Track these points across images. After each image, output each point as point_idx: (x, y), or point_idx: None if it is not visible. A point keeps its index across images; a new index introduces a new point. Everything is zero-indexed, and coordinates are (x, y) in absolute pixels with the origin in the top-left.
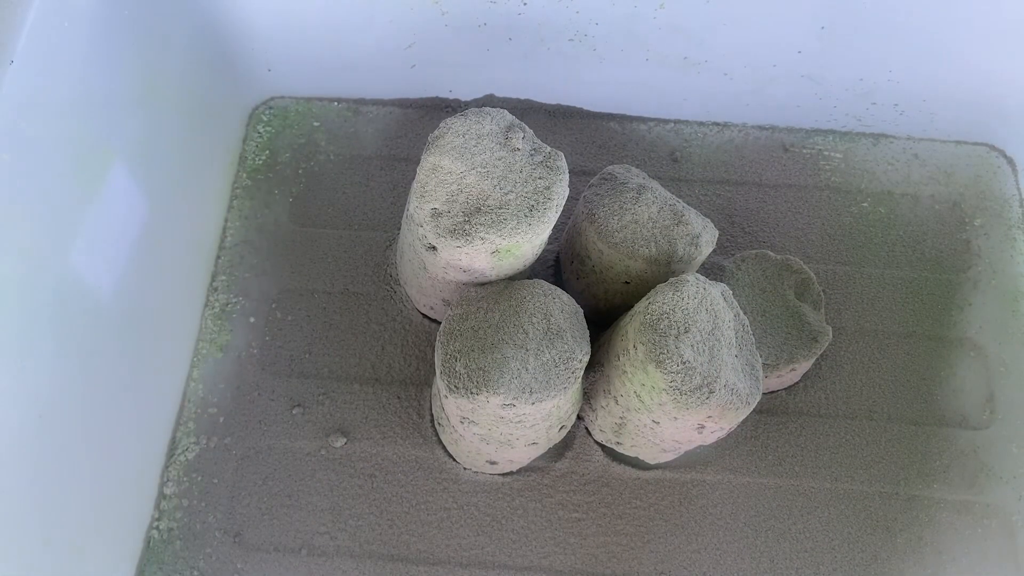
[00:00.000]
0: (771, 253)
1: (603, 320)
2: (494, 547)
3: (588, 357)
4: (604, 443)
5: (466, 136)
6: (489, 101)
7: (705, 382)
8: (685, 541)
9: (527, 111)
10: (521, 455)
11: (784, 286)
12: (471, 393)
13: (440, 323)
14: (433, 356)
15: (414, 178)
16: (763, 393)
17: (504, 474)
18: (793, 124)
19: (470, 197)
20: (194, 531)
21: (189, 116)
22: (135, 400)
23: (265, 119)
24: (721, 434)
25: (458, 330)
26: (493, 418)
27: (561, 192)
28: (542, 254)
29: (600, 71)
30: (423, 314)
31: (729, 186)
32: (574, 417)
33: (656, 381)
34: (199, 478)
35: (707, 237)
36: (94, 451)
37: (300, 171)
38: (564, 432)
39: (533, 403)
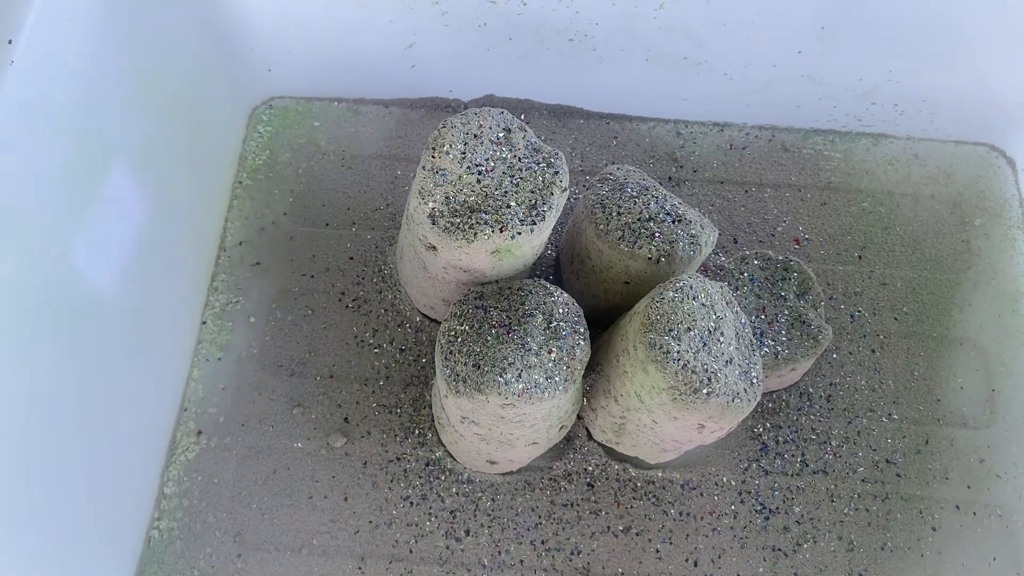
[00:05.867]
0: (771, 253)
1: (603, 320)
2: (494, 546)
3: (588, 357)
4: (604, 443)
5: (466, 136)
6: (489, 101)
7: (705, 382)
8: (685, 541)
9: (527, 111)
10: (521, 455)
11: (784, 286)
12: (471, 393)
13: (440, 323)
14: (433, 356)
15: (414, 178)
16: (763, 393)
17: (504, 474)
18: (793, 124)
19: (470, 197)
20: (194, 531)
21: (189, 116)
22: (135, 400)
23: (265, 119)
24: (721, 434)
25: (458, 330)
26: (493, 418)
27: (561, 192)
28: (542, 254)
29: (600, 71)
30: (423, 314)
31: (729, 186)
32: (574, 417)
33: (656, 381)
34: (199, 478)
35: (707, 237)
36: (94, 451)
37: (300, 171)
38: (564, 432)
39: (533, 403)
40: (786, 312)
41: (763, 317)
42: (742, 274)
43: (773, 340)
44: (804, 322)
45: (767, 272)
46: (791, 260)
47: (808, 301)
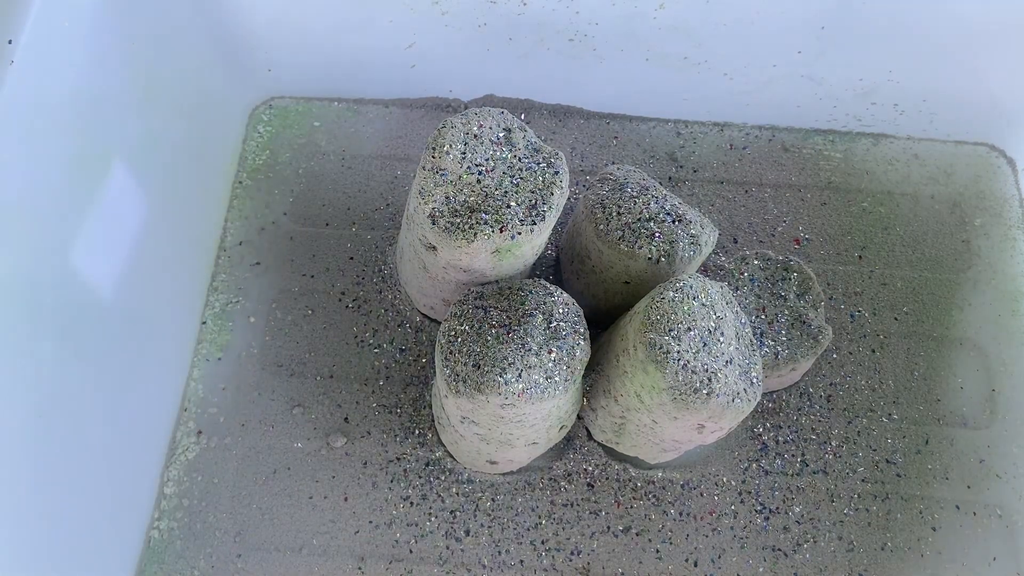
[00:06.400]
0: (771, 253)
1: (603, 320)
2: (494, 546)
3: (588, 357)
4: (604, 443)
5: (466, 136)
6: (489, 101)
7: (705, 382)
8: (685, 541)
9: (527, 111)
10: (521, 455)
11: (784, 286)
12: (471, 393)
13: (440, 323)
14: (433, 356)
15: (414, 178)
16: (763, 393)
17: (504, 474)
18: (793, 124)
19: (470, 197)
20: (194, 531)
21: (189, 116)
22: (135, 400)
23: (265, 119)
24: (721, 434)
25: (458, 330)
26: (493, 418)
27: (561, 192)
28: (542, 254)
29: (600, 71)
30: (423, 314)
31: (729, 186)
32: (574, 417)
33: (656, 381)
34: (199, 478)
35: (707, 237)
36: (94, 451)
37: (300, 171)
38: (564, 432)
39: (533, 403)
40: (786, 312)
41: (763, 317)
42: (742, 274)
43: (773, 340)
44: (804, 322)
45: (767, 272)
46: (791, 260)
47: (808, 301)
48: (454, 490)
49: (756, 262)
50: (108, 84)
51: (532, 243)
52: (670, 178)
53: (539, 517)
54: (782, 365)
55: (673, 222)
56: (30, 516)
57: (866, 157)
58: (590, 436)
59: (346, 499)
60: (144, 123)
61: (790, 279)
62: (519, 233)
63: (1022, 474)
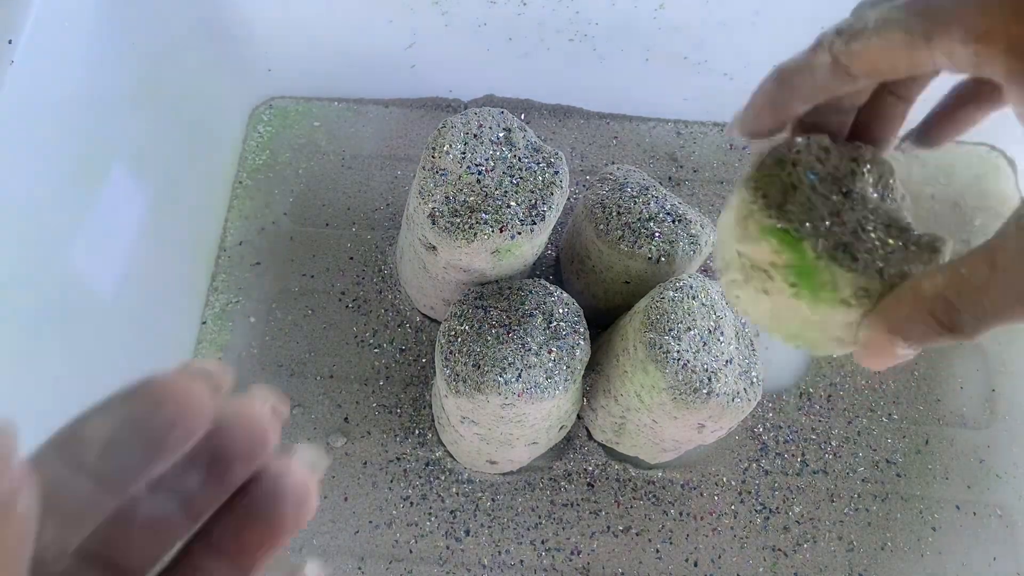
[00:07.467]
0: None
1: (603, 320)
2: (494, 546)
3: (588, 357)
4: (604, 443)
5: (466, 136)
6: (489, 101)
7: (705, 382)
8: (685, 541)
9: (527, 111)
10: (521, 455)
11: None
12: (471, 393)
13: (440, 323)
14: (433, 356)
15: (414, 178)
16: (763, 393)
17: (504, 473)
18: None
19: (470, 197)
20: None
21: (189, 116)
22: None
23: (265, 119)
24: (721, 434)
25: (458, 330)
26: (493, 418)
27: (561, 192)
28: (542, 254)
29: (600, 71)
30: (423, 314)
31: (729, 186)
32: (574, 417)
33: (656, 381)
34: None
35: (707, 237)
36: None
37: (300, 171)
38: (564, 432)
39: (533, 403)
40: None
41: None
42: None
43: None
44: None
45: None
46: None
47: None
48: (454, 490)
49: None
50: (108, 84)
51: (532, 243)
52: (670, 178)
53: (539, 517)
54: None
55: (673, 222)
56: None
57: None
58: (590, 436)
59: (346, 499)
60: (144, 123)
61: None
62: (519, 233)
63: (1022, 474)
